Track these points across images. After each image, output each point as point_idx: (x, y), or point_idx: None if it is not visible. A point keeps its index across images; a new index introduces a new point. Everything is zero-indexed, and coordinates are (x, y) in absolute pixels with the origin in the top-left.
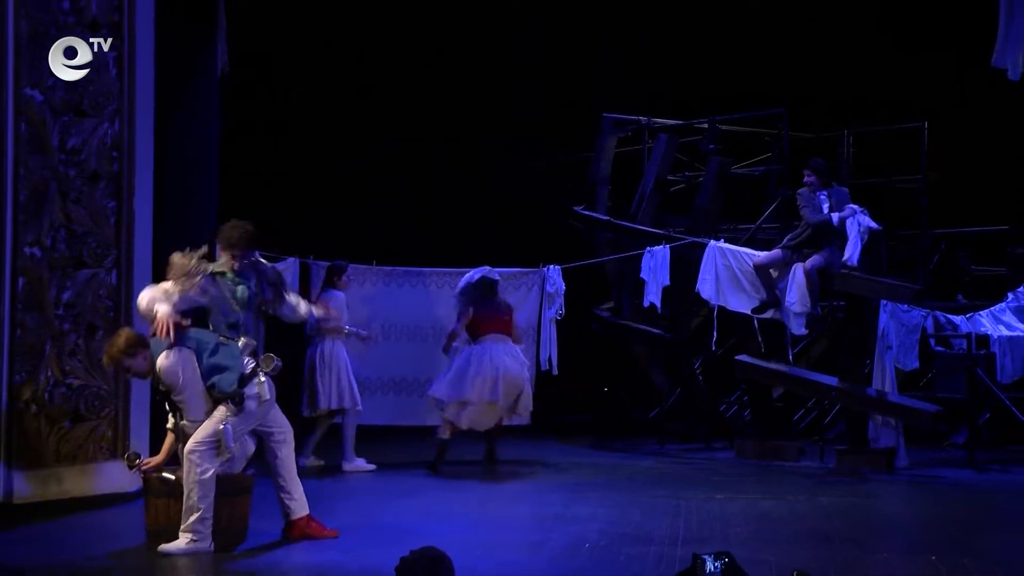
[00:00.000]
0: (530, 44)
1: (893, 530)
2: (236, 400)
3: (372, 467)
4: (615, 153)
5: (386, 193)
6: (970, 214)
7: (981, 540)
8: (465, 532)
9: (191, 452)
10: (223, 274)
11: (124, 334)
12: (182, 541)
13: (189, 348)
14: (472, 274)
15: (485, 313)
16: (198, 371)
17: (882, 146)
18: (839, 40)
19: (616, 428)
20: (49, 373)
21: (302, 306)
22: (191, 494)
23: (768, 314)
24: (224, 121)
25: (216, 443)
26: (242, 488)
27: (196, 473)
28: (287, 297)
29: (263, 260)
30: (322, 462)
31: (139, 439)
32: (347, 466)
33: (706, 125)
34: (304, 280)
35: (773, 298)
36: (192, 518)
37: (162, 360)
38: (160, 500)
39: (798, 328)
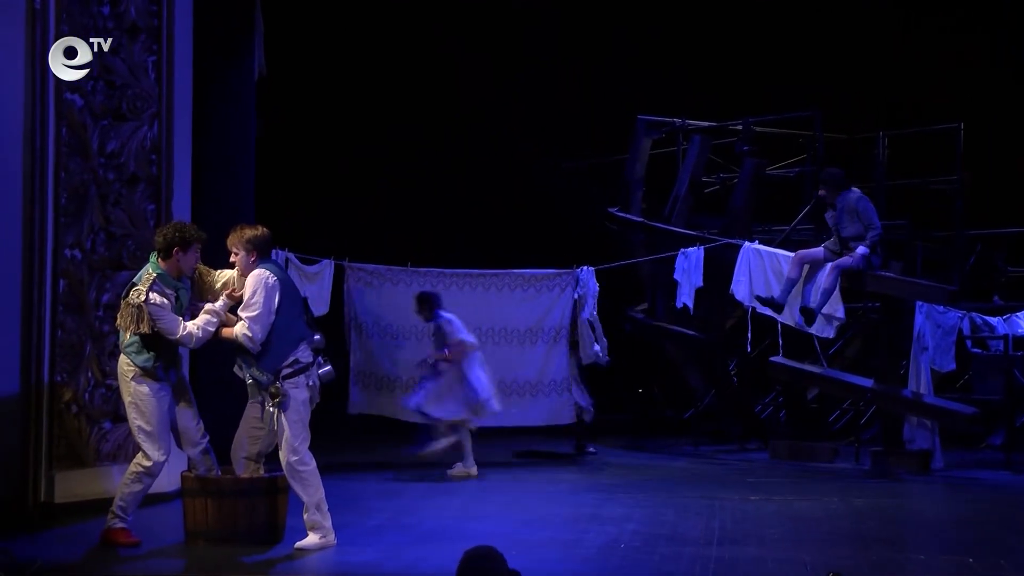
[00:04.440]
0: (564, 46)
1: (928, 531)
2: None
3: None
4: (650, 155)
5: (418, 196)
6: (1006, 215)
7: (1017, 541)
8: (500, 531)
9: (291, 466)
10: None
11: (260, 228)
12: (314, 539)
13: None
14: None
15: None
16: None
17: (917, 147)
18: (874, 41)
19: (650, 428)
20: (89, 374)
21: None
22: (302, 493)
23: (786, 320)
24: (261, 123)
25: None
26: (278, 488)
27: (300, 473)
28: None
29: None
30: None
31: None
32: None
33: (740, 127)
34: (338, 282)
35: (783, 300)
36: (315, 516)
37: (259, 272)
38: (198, 500)
39: (821, 330)
